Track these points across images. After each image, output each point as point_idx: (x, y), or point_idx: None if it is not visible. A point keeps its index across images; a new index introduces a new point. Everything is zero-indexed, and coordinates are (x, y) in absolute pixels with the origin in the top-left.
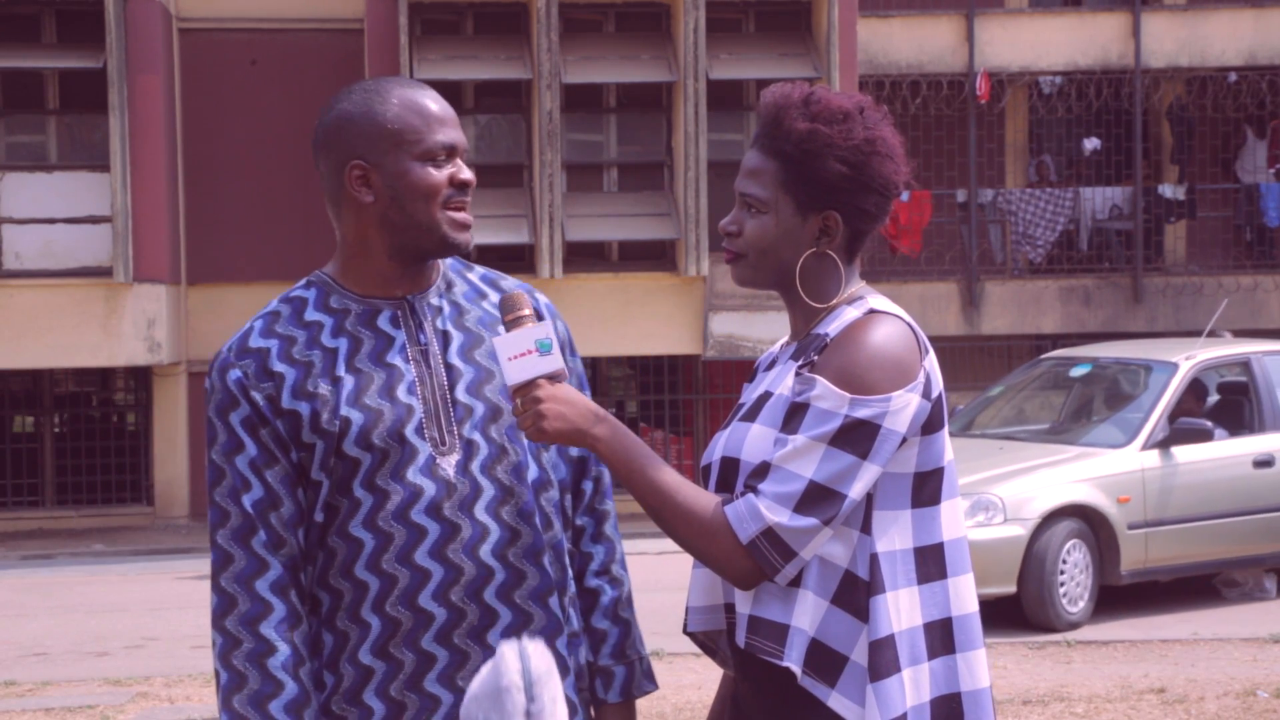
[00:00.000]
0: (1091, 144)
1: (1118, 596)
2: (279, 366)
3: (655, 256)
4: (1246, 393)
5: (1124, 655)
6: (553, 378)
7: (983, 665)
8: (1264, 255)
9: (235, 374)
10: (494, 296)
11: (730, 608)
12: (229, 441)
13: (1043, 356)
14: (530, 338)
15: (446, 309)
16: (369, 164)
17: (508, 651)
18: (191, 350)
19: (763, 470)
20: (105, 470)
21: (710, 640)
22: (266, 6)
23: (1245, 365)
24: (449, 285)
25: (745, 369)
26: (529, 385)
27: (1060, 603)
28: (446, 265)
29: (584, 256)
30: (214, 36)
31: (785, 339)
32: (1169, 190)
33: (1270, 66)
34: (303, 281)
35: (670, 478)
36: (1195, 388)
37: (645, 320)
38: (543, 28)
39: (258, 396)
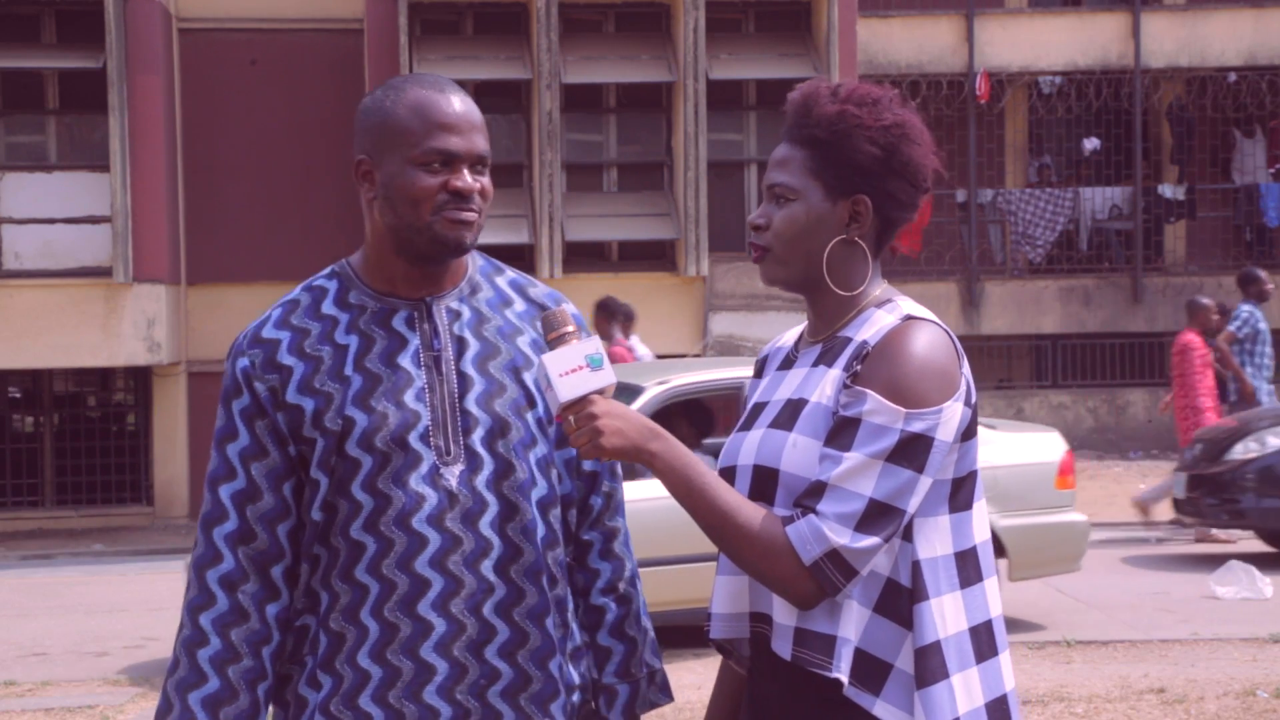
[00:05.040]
0: (1091, 144)
1: (1116, 599)
2: (288, 360)
3: (655, 256)
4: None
5: (1124, 655)
6: (603, 393)
7: (1010, 665)
8: (1264, 255)
9: (244, 362)
10: (520, 304)
11: (760, 617)
12: (225, 428)
13: None
14: (580, 353)
15: (466, 314)
16: (372, 162)
17: None
18: (191, 350)
19: (818, 490)
20: (105, 470)
21: (730, 644)
22: (266, 6)
23: (741, 392)
24: (474, 289)
25: None
26: (581, 402)
27: None
28: (476, 268)
29: (583, 256)
30: (214, 36)
31: (794, 337)
32: (1169, 190)
33: (1270, 66)
34: (327, 270)
35: (730, 496)
36: (693, 414)
37: (645, 320)
38: (542, 28)
39: (260, 388)
